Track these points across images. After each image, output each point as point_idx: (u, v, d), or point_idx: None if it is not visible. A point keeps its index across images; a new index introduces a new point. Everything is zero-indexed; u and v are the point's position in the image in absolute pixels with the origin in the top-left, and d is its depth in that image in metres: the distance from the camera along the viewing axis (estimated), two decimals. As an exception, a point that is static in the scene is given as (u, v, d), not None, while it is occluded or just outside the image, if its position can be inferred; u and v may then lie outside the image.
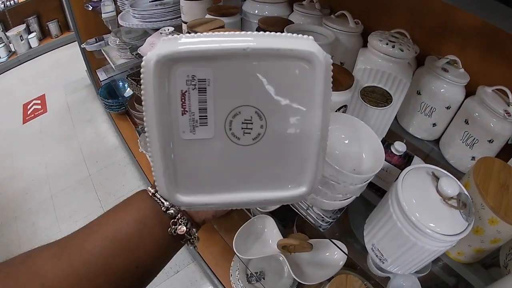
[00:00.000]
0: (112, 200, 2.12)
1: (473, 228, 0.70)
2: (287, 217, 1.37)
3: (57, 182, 2.28)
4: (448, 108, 0.95)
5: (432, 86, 0.94)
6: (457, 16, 0.96)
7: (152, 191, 0.40)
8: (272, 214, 1.28)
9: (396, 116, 1.00)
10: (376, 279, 1.14)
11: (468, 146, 0.92)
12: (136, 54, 1.43)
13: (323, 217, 1.04)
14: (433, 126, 1.00)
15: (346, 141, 0.72)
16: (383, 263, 0.70)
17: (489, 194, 0.67)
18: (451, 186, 0.59)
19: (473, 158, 0.93)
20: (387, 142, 0.80)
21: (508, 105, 0.87)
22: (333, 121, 0.57)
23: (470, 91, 0.94)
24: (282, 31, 0.49)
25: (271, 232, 1.23)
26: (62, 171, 2.36)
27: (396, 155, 0.78)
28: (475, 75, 0.95)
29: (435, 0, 0.98)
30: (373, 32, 0.88)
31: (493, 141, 0.88)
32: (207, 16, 1.18)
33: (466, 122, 0.92)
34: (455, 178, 0.64)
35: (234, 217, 1.53)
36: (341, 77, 0.81)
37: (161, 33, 1.29)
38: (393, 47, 0.81)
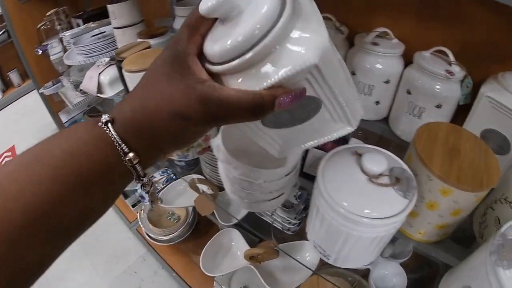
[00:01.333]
0: (90, 240, 2.01)
1: (426, 203, 0.59)
2: (262, 227, 1.27)
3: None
4: (387, 82, 0.85)
5: (365, 63, 0.84)
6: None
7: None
8: (241, 226, 1.18)
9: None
10: (356, 275, 1.03)
11: (417, 117, 0.81)
12: (80, 90, 1.36)
13: (289, 220, 0.94)
14: (377, 104, 0.89)
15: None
16: (328, 259, 0.59)
17: (434, 163, 0.56)
18: (375, 162, 0.49)
19: (424, 128, 0.83)
20: None
21: (450, 65, 0.77)
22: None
23: (410, 61, 0.85)
24: None
25: (239, 245, 1.16)
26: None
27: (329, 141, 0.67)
28: (411, 43, 0.85)
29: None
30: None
31: (441, 105, 0.78)
32: (138, 40, 1.12)
33: (409, 92, 0.81)
34: (385, 152, 0.54)
35: (203, 238, 1.42)
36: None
37: (98, 65, 1.22)
38: None
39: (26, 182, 0.26)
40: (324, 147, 0.65)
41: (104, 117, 0.28)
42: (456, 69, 0.76)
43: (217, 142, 0.53)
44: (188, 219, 1.56)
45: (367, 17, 0.93)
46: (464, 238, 0.71)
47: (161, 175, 1.20)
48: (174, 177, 1.17)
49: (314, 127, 0.37)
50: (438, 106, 0.78)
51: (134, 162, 0.28)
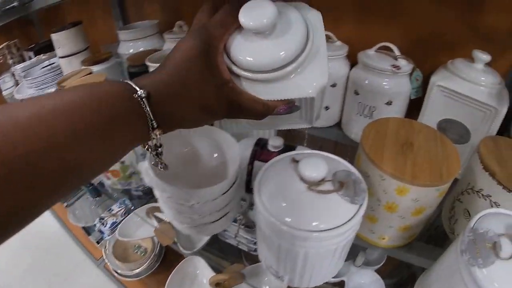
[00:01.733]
0: (58, 281, 1.88)
1: (384, 205, 0.54)
2: (232, 250, 1.19)
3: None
4: (333, 86, 0.81)
5: None
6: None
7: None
8: (210, 252, 1.11)
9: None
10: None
11: (368, 117, 0.77)
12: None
13: (253, 240, 0.88)
14: (326, 109, 0.85)
15: (209, 157, 0.57)
16: (283, 280, 0.52)
17: (385, 160, 0.51)
18: (313, 167, 0.43)
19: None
20: (263, 142, 0.64)
21: (396, 59, 0.74)
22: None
23: (356, 62, 0.81)
24: None
25: (204, 272, 1.10)
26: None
27: (274, 151, 0.61)
28: (355, 44, 0.82)
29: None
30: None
31: (391, 102, 0.74)
32: (82, 67, 1.07)
33: (356, 93, 0.77)
34: (327, 155, 0.48)
35: (173, 268, 1.33)
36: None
37: (46, 96, 1.14)
38: None
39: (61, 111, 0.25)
40: (268, 159, 0.60)
41: (140, 92, 0.29)
42: (402, 62, 0.73)
43: (145, 165, 0.47)
44: (155, 251, 1.45)
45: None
46: (437, 236, 0.66)
47: (119, 207, 1.12)
48: (132, 208, 1.09)
49: (284, 118, 0.41)
50: (389, 103, 0.74)
51: (158, 135, 0.31)
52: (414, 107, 0.78)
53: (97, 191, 1.37)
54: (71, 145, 0.25)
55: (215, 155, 0.58)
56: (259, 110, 0.34)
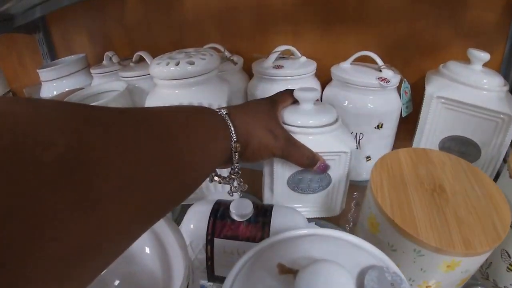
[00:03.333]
0: None
1: (419, 285, 0.34)
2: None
3: None
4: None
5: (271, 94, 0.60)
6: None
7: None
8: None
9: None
10: None
11: (356, 148, 0.58)
12: None
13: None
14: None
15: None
16: None
17: (420, 228, 0.32)
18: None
19: (368, 157, 0.60)
20: (222, 206, 0.42)
21: (380, 70, 0.56)
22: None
23: (325, 79, 0.63)
24: None
25: None
26: None
27: (240, 222, 0.39)
28: (322, 60, 0.64)
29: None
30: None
31: (382, 124, 0.56)
32: None
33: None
34: (336, 243, 0.28)
35: None
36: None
37: None
38: (177, 64, 0.47)
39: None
40: (234, 234, 0.38)
41: (223, 111, 0.35)
42: (388, 73, 0.55)
43: None
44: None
45: (261, 38, 0.71)
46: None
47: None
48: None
49: (313, 199, 0.49)
50: (379, 127, 0.56)
51: (238, 149, 0.34)
52: (402, 127, 0.61)
53: None
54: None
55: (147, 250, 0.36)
56: (306, 154, 0.41)
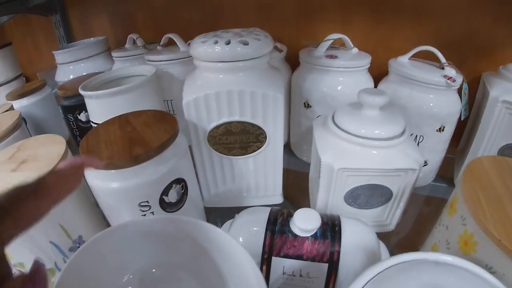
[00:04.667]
0: None
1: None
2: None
3: None
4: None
5: (322, 87, 0.52)
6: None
7: None
8: None
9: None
10: None
11: (417, 152, 0.51)
12: None
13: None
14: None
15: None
16: None
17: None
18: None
19: (425, 163, 0.53)
20: (278, 217, 0.33)
21: (442, 68, 0.50)
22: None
23: (377, 75, 0.56)
24: None
25: None
26: None
27: (305, 237, 0.31)
28: (373, 53, 0.57)
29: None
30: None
31: (443, 127, 0.49)
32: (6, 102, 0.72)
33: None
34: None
35: None
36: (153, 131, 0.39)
37: None
38: (228, 43, 0.39)
39: None
40: (297, 252, 0.31)
41: None
42: (452, 72, 0.48)
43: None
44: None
45: (306, 26, 0.64)
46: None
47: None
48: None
49: (369, 214, 0.42)
50: (441, 130, 0.49)
51: None
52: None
53: None
54: None
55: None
56: None
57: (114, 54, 0.74)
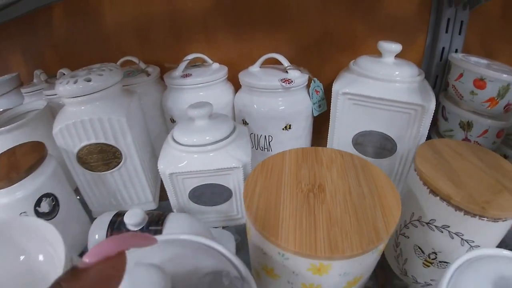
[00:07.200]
0: None
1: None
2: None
3: None
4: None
5: (181, 104, 0.57)
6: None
7: None
8: None
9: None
10: None
11: (266, 150, 0.57)
12: None
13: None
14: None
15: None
16: None
17: (282, 231, 0.30)
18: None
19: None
20: (120, 217, 0.40)
21: (286, 72, 0.55)
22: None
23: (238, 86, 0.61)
24: None
25: None
26: None
27: (135, 231, 0.38)
28: (238, 65, 0.62)
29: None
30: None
31: (290, 126, 0.54)
32: None
33: (245, 122, 0.56)
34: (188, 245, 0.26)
35: None
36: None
37: None
38: (75, 82, 0.45)
39: None
40: None
41: None
42: (294, 74, 0.53)
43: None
44: None
45: (177, 47, 0.68)
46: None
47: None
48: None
49: (218, 210, 0.47)
50: (287, 128, 0.54)
51: None
52: (322, 126, 0.59)
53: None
54: None
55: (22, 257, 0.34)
56: None
57: (22, 90, 0.77)
